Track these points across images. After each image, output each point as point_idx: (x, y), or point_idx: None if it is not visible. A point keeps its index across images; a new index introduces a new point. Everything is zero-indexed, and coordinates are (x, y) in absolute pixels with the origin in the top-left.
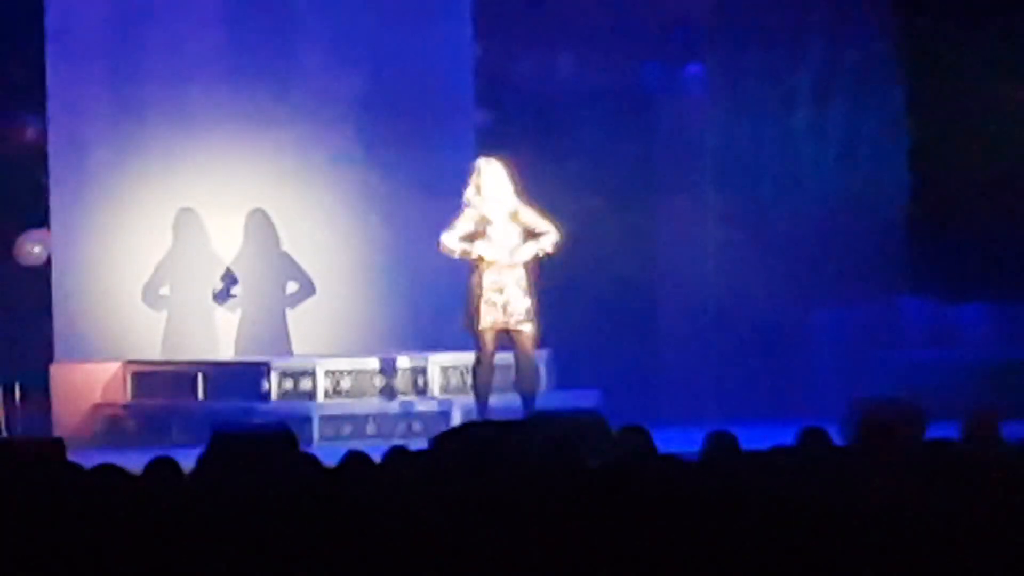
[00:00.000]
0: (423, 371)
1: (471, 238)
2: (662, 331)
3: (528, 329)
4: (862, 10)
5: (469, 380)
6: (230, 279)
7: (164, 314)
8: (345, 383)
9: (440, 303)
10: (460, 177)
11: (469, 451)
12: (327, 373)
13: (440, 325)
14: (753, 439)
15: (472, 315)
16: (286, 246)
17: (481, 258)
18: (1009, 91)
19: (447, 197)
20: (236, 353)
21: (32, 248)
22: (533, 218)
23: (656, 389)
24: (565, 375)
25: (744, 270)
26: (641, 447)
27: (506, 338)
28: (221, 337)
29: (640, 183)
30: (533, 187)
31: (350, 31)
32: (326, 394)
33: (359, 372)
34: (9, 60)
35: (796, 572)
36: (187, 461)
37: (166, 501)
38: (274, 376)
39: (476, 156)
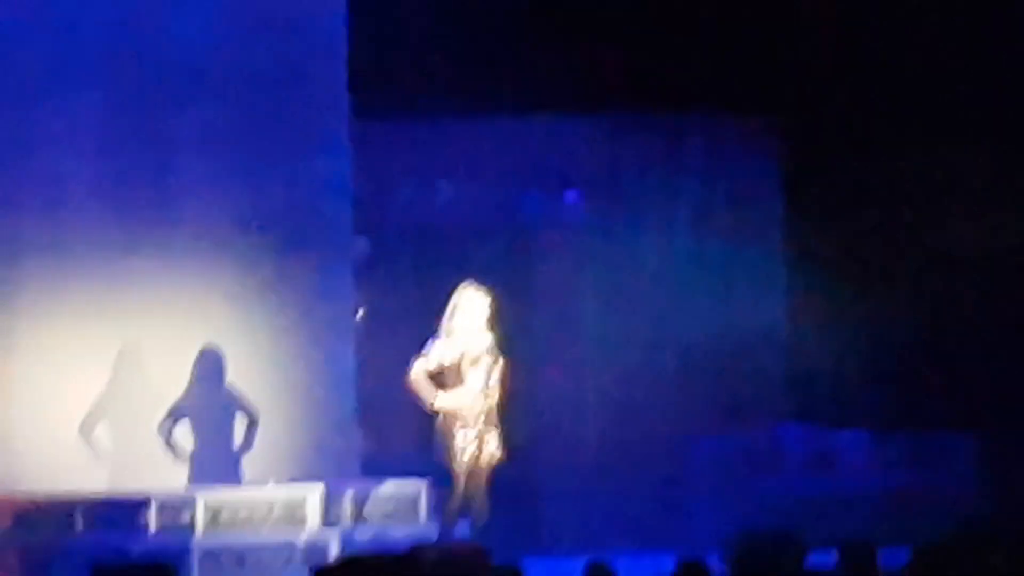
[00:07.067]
0: (302, 502)
1: (440, 375)
2: (542, 459)
3: (495, 462)
4: (740, 140)
5: (361, 509)
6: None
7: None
8: (225, 515)
9: (320, 430)
10: (333, 312)
11: None
12: (207, 505)
13: (319, 453)
14: (633, 570)
15: (448, 451)
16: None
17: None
18: (887, 220)
19: (321, 328)
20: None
21: None
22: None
23: (536, 518)
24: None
25: (624, 398)
26: None
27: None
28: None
29: (522, 309)
30: (414, 316)
31: (228, 162)
32: (206, 527)
33: (239, 504)
34: None
35: None
36: None
37: None
38: (153, 509)
39: (353, 287)
